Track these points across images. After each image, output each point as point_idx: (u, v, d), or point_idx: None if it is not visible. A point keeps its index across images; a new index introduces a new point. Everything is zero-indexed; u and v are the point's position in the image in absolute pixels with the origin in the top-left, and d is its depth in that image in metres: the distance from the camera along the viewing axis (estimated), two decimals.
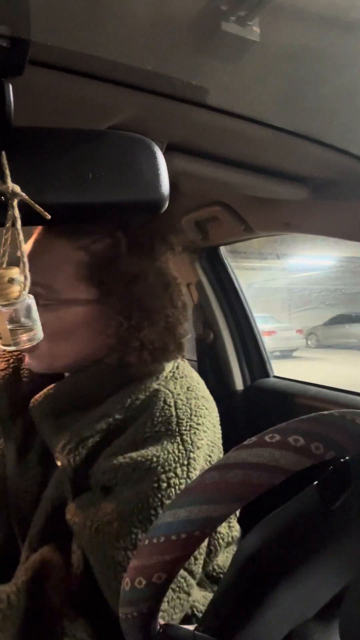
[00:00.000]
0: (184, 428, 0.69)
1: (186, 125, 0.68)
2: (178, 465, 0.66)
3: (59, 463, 0.72)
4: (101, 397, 0.73)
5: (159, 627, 0.45)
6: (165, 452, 0.67)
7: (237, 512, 0.79)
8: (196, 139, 0.74)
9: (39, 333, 0.51)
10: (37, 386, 0.79)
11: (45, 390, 0.76)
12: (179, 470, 0.66)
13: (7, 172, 0.45)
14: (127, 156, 0.51)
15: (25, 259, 0.48)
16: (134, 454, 0.66)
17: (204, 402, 0.75)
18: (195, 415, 0.71)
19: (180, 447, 0.68)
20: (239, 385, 1.52)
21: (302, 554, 0.46)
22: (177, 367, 0.79)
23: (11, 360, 0.86)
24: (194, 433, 0.70)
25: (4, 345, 0.49)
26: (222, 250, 1.53)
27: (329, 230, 0.99)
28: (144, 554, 0.40)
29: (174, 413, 0.70)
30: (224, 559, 0.79)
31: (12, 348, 0.50)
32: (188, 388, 0.75)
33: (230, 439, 0.79)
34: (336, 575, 0.43)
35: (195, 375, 0.82)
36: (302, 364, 7.04)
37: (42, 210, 0.46)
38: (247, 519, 0.77)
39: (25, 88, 0.44)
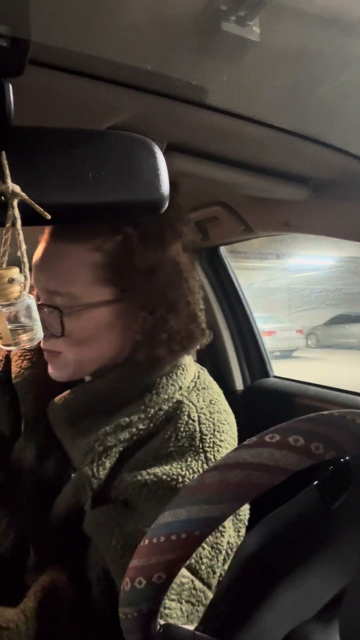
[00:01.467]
0: (207, 445, 0.69)
1: (186, 125, 0.68)
2: None
3: (78, 470, 0.71)
4: (121, 403, 0.72)
5: (159, 627, 0.45)
6: (190, 470, 0.66)
7: (246, 522, 0.78)
8: (196, 139, 0.74)
9: (39, 333, 0.51)
10: (62, 387, 0.77)
11: (65, 393, 0.75)
12: None
13: (7, 172, 0.45)
14: (127, 156, 0.51)
15: (25, 259, 0.48)
16: (158, 471, 0.66)
17: (226, 417, 0.75)
18: (218, 431, 0.71)
19: (205, 465, 0.67)
20: (239, 385, 1.52)
21: (302, 554, 0.46)
22: (199, 377, 0.78)
23: (35, 359, 0.83)
24: (217, 450, 0.69)
25: (4, 345, 0.49)
26: (222, 250, 1.53)
27: (329, 230, 0.99)
28: (144, 554, 0.40)
29: (197, 428, 0.69)
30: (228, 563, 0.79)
31: (13, 348, 0.50)
32: (211, 401, 0.74)
33: None
34: (336, 576, 0.43)
35: (216, 386, 0.81)
36: (302, 364, 7.04)
37: (42, 210, 0.46)
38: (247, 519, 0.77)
39: (25, 88, 0.44)
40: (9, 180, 0.45)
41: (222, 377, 1.54)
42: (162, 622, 0.45)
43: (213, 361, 1.56)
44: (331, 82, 0.61)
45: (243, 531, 0.77)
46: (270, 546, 0.48)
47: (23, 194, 0.45)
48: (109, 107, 0.61)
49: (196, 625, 0.64)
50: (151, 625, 0.43)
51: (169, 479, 0.65)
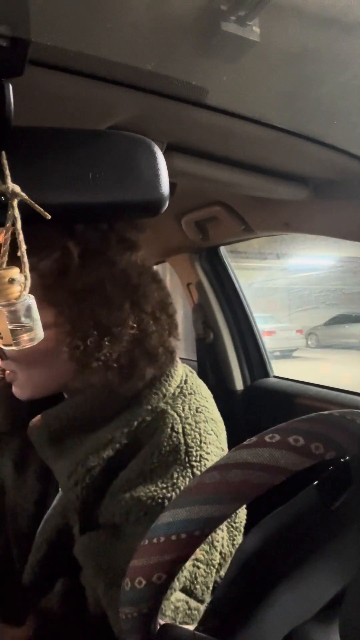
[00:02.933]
0: (194, 459, 0.65)
1: (186, 125, 0.68)
2: None
3: (63, 492, 0.69)
4: (104, 418, 0.69)
5: (159, 627, 0.45)
6: (177, 490, 0.63)
7: (242, 530, 0.77)
8: (196, 139, 0.74)
9: (40, 333, 0.51)
10: (36, 401, 0.74)
11: (43, 413, 0.72)
12: None
13: (7, 172, 0.45)
14: (127, 156, 0.51)
15: (26, 259, 0.48)
16: (142, 494, 0.63)
17: (212, 426, 0.71)
18: (204, 443, 0.67)
19: None
20: (239, 385, 1.52)
21: (302, 554, 0.46)
22: (186, 382, 0.74)
23: (4, 375, 0.81)
24: (204, 465, 0.66)
25: (4, 345, 0.49)
26: (222, 250, 1.53)
27: (329, 230, 0.99)
28: (144, 554, 0.40)
29: (182, 441, 0.65)
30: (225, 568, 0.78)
31: (13, 348, 0.50)
32: (197, 409, 0.70)
33: (230, 439, 0.79)
34: (336, 575, 0.43)
35: (204, 390, 0.77)
36: (302, 364, 7.04)
37: (42, 210, 0.46)
38: (247, 519, 0.77)
39: (25, 88, 0.44)
40: (9, 180, 0.45)
41: (222, 377, 1.54)
42: (162, 622, 0.45)
43: (213, 361, 1.56)
44: (331, 82, 0.61)
45: (238, 539, 0.75)
46: (270, 546, 0.48)
47: (23, 194, 0.45)
48: (109, 107, 0.61)
49: (196, 625, 0.64)
50: (151, 625, 0.43)
51: (154, 503, 0.62)
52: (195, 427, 0.68)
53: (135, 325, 0.66)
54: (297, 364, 6.88)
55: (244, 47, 0.51)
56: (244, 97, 0.63)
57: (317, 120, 0.69)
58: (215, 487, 0.38)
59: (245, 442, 0.40)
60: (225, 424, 0.82)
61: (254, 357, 1.54)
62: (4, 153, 0.45)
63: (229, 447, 0.78)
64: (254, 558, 0.48)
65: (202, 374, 1.58)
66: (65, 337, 0.65)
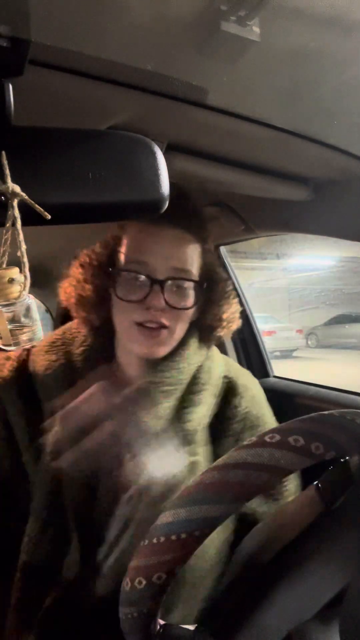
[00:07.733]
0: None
1: (186, 125, 0.68)
2: None
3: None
4: (185, 385, 0.84)
5: (159, 627, 0.45)
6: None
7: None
8: (196, 139, 0.74)
9: (39, 333, 0.51)
10: (85, 378, 0.82)
11: (146, 379, 0.82)
12: None
13: (7, 172, 0.45)
14: (127, 156, 0.51)
15: (26, 259, 0.48)
16: None
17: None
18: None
19: None
20: None
21: (302, 554, 0.46)
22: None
23: (61, 353, 0.88)
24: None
25: (4, 345, 0.49)
26: (222, 250, 1.53)
27: (329, 230, 0.99)
28: (144, 554, 0.40)
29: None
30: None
31: (12, 348, 0.50)
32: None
33: None
34: (336, 575, 0.43)
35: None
36: (302, 364, 7.04)
37: (42, 210, 0.46)
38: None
39: (25, 88, 0.44)
40: (9, 180, 0.45)
41: None
42: (162, 622, 0.45)
43: None
44: (331, 82, 0.61)
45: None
46: (270, 546, 0.48)
47: (23, 194, 0.45)
48: (109, 107, 0.61)
49: (196, 625, 0.65)
50: (151, 625, 0.43)
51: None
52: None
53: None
54: (297, 364, 6.88)
55: (244, 47, 0.51)
56: (244, 97, 0.63)
57: (317, 120, 0.69)
58: (215, 487, 0.38)
59: (245, 442, 0.40)
60: None
61: (254, 357, 1.54)
62: (4, 153, 0.45)
63: None
64: (254, 558, 0.48)
65: None
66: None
